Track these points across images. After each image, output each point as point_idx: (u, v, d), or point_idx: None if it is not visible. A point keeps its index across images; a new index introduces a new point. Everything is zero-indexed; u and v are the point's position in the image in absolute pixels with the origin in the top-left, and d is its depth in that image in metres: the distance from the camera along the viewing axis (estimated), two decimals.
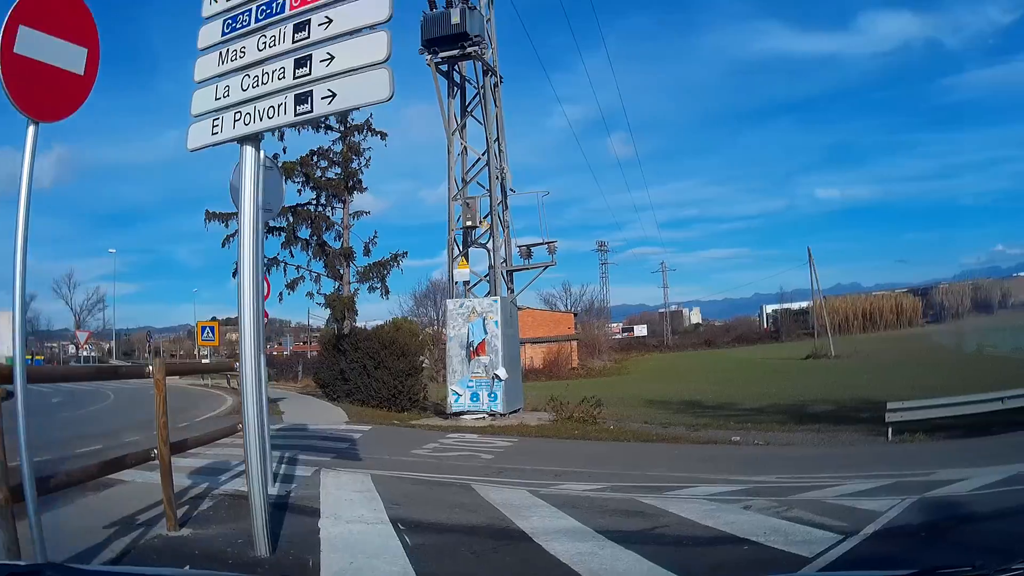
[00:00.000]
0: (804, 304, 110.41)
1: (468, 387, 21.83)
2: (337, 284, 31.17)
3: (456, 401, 21.96)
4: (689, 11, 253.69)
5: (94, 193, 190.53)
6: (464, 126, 25.04)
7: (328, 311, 31.20)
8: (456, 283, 24.65)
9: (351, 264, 31.35)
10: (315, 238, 30.90)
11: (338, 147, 31.06)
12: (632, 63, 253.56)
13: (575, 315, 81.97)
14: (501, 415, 21.29)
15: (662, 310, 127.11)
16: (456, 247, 24.72)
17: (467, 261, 24.45)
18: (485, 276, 24.68)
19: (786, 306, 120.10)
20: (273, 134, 28.90)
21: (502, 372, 21.44)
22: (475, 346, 21.65)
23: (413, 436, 17.92)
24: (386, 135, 31.40)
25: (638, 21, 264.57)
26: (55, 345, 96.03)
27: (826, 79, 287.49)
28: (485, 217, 23.86)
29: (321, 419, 20.97)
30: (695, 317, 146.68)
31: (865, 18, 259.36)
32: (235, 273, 27.20)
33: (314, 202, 31.04)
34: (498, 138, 24.28)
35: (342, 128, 30.77)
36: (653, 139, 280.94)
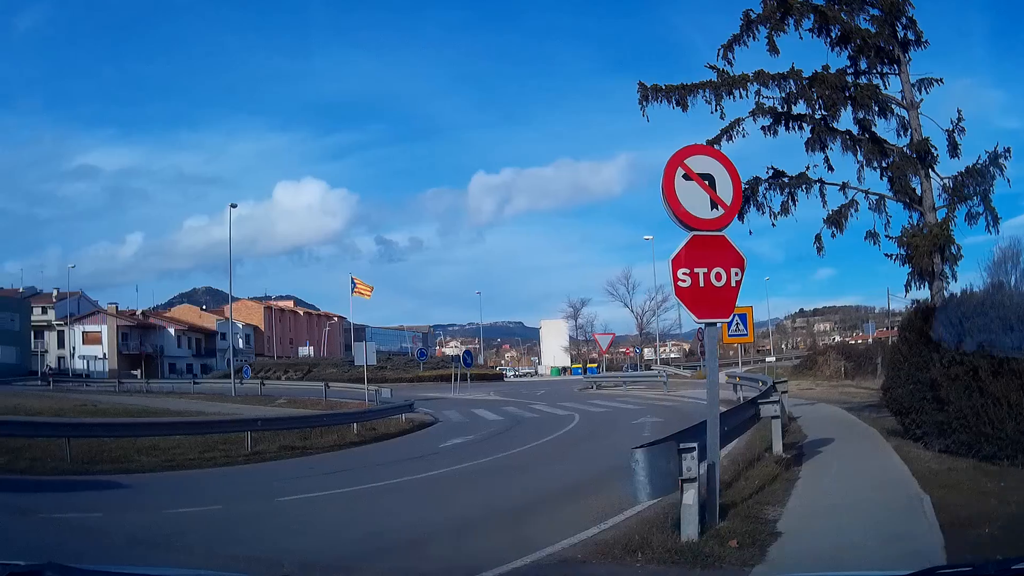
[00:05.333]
0: None
1: None
2: (914, 214, 18.84)
3: None
4: None
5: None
6: None
7: (903, 264, 18.59)
8: None
9: (930, 173, 18.45)
10: (863, 133, 18.72)
11: None
12: None
13: None
14: None
15: None
16: None
17: None
18: None
19: None
20: None
21: None
22: None
23: None
24: None
25: None
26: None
27: None
28: None
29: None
30: None
31: None
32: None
33: (850, 69, 18.70)
34: None
35: None
36: None
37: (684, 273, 8.52)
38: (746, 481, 11.10)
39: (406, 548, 8.76)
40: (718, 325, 9.37)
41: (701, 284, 8.57)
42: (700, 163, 8.84)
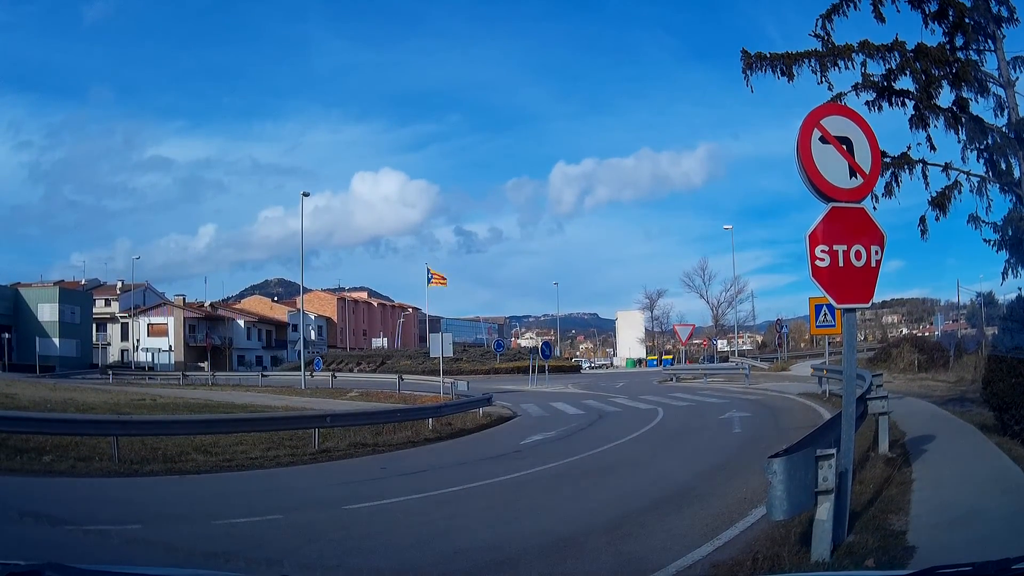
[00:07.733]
0: None
1: None
2: (1009, 197, 18.73)
3: None
4: None
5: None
6: None
7: (1000, 250, 18.75)
8: None
9: None
10: (961, 112, 18.19)
11: None
12: None
13: None
14: None
15: None
16: None
17: None
18: None
19: None
20: None
21: None
22: None
23: None
24: None
25: None
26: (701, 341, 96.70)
27: None
28: None
29: None
30: None
31: None
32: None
33: (946, 44, 18.13)
34: None
35: None
36: None
37: (822, 251, 7.47)
38: (860, 485, 10.23)
39: (492, 573, 7.72)
40: (856, 313, 8.17)
41: (841, 264, 7.52)
42: (837, 124, 7.79)
